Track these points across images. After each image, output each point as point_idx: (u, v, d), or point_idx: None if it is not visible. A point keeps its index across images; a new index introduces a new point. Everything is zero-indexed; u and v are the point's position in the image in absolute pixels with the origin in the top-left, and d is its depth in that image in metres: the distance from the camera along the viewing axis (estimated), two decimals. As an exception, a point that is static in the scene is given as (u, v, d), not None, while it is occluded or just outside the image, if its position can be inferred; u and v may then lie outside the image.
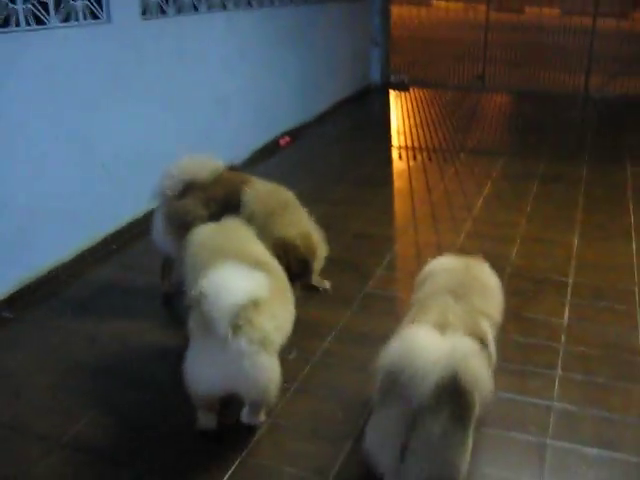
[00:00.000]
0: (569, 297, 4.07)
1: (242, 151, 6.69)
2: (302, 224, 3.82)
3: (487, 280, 2.90)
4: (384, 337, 3.58)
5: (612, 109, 9.65)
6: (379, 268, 4.46)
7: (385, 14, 10.76)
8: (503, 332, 3.65)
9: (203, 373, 2.67)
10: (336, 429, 2.99)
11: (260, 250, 3.19)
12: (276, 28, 7.22)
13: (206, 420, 2.89)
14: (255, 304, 2.60)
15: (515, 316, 3.86)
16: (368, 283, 4.26)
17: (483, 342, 2.48)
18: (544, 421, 3.02)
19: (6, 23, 3.92)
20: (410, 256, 4.69)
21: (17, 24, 3.99)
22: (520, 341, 3.63)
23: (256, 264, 2.87)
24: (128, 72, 4.92)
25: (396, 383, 2.17)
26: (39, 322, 4.00)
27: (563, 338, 3.64)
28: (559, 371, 3.36)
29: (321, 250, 3.84)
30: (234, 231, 3.26)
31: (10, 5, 3.91)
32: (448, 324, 2.43)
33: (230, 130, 6.47)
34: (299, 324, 3.80)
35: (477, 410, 2.26)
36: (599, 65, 10.26)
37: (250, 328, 2.57)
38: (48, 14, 4.19)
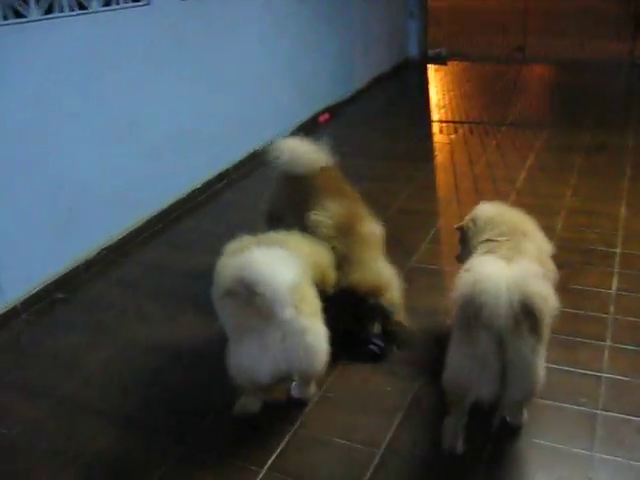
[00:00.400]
0: (617, 268, 4.02)
1: (283, 129, 6.70)
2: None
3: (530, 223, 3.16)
4: (430, 310, 3.63)
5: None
6: (423, 243, 4.46)
7: (422, -14, 10.62)
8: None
9: (259, 360, 2.61)
10: (385, 402, 3.02)
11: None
12: (312, 5, 7.19)
13: (251, 404, 2.90)
14: (298, 285, 2.62)
15: (563, 288, 3.80)
16: (412, 258, 4.26)
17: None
18: (594, 392, 3.01)
19: (50, 10, 3.99)
20: (454, 230, 4.66)
21: (61, 10, 4.05)
22: (569, 313, 3.59)
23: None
24: (168, 53, 4.97)
25: (474, 311, 2.32)
26: (91, 302, 4.11)
27: (612, 309, 3.61)
28: (608, 342, 3.34)
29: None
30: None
31: (54, -9, 3.98)
32: (514, 256, 2.66)
33: (270, 108, 6.49)
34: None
35: (548, 325, 2.46)
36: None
37: (306, 304, 2.63)
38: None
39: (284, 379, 2.85)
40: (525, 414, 2.80)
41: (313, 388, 3.02)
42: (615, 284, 3.85)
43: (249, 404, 2.91)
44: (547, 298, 2.39)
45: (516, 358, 2.40)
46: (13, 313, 3.93)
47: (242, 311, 2.59)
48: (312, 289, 2.80)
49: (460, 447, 2.64)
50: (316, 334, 2.66)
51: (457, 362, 2.54)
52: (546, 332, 2.46)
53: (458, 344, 2.53)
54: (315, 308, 2.73)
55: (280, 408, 2.99)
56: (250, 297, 2.49)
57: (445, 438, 2.68)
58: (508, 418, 2.81)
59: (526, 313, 2.33)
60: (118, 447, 2.89)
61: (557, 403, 2.95)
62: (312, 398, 3.02)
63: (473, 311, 2.33)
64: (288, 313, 2.53)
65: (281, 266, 2.56)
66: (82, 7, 4.21)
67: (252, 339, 2.61)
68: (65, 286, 4.23)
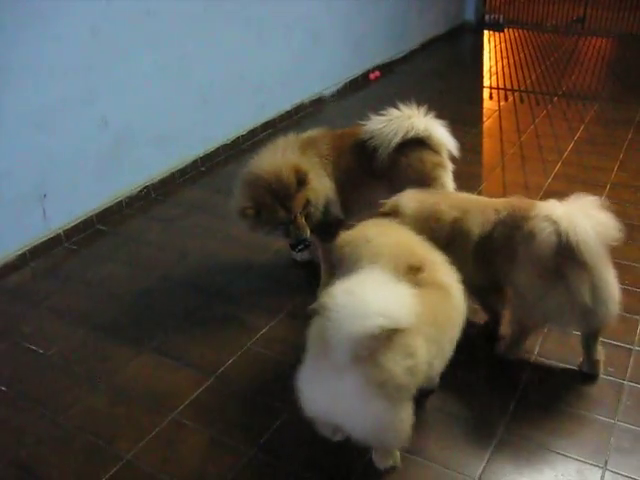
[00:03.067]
0: (658, 245, 3.97)
1: (332, 83, 6.68)
2: None
3: None
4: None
5: None
6: (464, 205, 4.43)
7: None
8: (588, 275, 3.64)
9: (313, 393, 2.23)
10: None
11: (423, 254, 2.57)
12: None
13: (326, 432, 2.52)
14: (389, 334, 2.04)
15: (601, 260, 3.80)
16: (452, 219, 4.25)
17: None
18: (623, 363, 3.00)
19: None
20: (497, 194, 4.60)
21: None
22: (604, 284, 3.58)
23: (411, 272, 2.39)
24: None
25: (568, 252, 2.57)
26: (131, 236, 4.19)
27: (649, 284, 3.58)
28: (643, 316, 3.32)
29: None
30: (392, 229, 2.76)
31: None
32: None
33: (322, 62, 6.45)
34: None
35: None
36: None
37: (371, 365, 2.06)
38: None
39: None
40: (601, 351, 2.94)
41: (392, 459, 2.51)
42: (655, 260, 3.80)
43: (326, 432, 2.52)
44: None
45: (604, 284, 2.69)
46: (56, 241, 4.04)
47: (317, 335, 2.19)
48: (415, 352, 2.17)
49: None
50: (368, 405, 2.13)
51: (551, 305, 2.70)
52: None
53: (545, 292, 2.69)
54: (390, 378, 2.10)
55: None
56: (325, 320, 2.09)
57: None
58: (584, 367, 2.95)
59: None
60: (149, 374, 2.98)
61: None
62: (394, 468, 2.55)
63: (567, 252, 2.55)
64: (342, 361, 2.07)
65: (369, 305, 2.03)
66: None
67: (315, 369, 2.24)
68: (107, 219, 4.32)
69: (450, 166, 3.54)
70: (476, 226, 2.87)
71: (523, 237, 2.70)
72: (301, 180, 3.12)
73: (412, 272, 2.38)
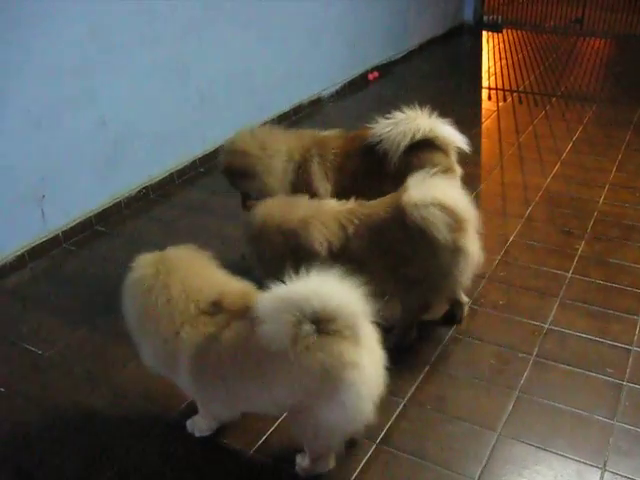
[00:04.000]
0: (657, 245, 3.98)
1: (331, 84, 6.68)
2: None
3: None
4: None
5: None
6: (463, 206, 4.44)
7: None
8: (585, 275, 3.65)
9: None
10: (413, 357, 3.06)
11: None
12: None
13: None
14: None
15: (599, 261, 3.81)
16: (451, 220, 4.25)
17: None
18: (622, 364, 3.01)
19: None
20: (495, 195, 4.65)
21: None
22: (602, 285, 3.58)
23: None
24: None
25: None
26: (130, 237, 4.19)
27: (647, 285, 3.58)
28: (641, 316, 3.33)
29: None
30: None
31: None
32: None
33: (320, 62, 6.46)
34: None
35: None
36: None
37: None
38: None
39: None
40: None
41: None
42: (653, 261, 3.81)
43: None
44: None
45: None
46: (55, 241, 4.04)
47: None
48: None
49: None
50: None
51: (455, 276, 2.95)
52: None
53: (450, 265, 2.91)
54: None
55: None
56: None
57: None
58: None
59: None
60: (148, 375, 2.97)
61: (584, 371, 2.96)
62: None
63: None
64: None
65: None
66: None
67: None
68: (106, 220, 4.32)
69: (459, 170, 3.56)
70: (327, 235, 2.87)
71: (416, 225, 2.79)
72: None
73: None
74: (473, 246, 2.91)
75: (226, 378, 2.27)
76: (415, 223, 2.77)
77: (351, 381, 2.09)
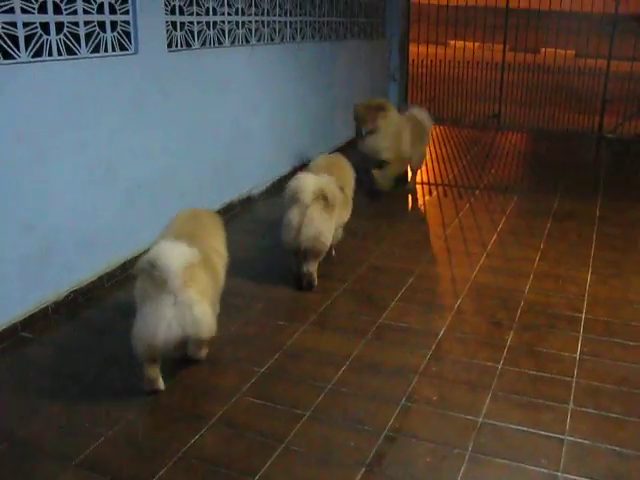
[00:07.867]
0: (582, 332, 4.09)
1: (261, 182, 6.80)
2: None
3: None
4: (397, 366, 3.67)
5: (626, 149, 9.73)
6: (394, 300, 4.51)
7: (403, 52, 10.98)
8: (515, 366, 3.72)
9: (159, 325, 3.23)
10: (348, 456, 3.02)
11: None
12: (297, 63, 7.38)
13: (154, 375, 3.45)
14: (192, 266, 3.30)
15: (528, 350, 3.89)
16: (382, 314, 4.30)
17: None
18: (556, 454, 3.03)
19: (40, 52, 4.06)
20: (424, 289, 4.73)
21: (50, 54, 4.12)
22: (533, 375, 3.65)
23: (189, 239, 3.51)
24: (152, 102, 5.05)
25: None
26: (58, 343, 4.07)
27: (575, 372, 3.66)
28: (571, 405, 3.38)
29: None
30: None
31: (44, 36, 4.05)
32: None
33: (250, 161, 6.59)
34: (313, 353, 3.87)
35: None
36: (613, 106, 10.38)
37: (194, 282, 3.29)
38: (79, 45, 4.33)
39: (177, 347, 3.41)
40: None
41: (204, 351, 3.74)
42: (579, 348, 3.91)
43: (153, 375, 3.46)
44: (335, 193, 4.61)
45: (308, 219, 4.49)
46: (-22, 351, 3.89)
47: (145, 283, 3.32)
48: (205, 274, 3.44)
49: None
50: (202, 307, 3.31)
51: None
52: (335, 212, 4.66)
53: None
54: (203, 287, 3.38)
55: (242, 457, 2.98)
56: (151, 272, 3.22)
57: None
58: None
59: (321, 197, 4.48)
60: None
61: (519, 464, 2.97)
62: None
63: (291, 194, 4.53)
64: (177, 283, 3.19)
65: (178, 252, 3.27)
66: (71, 52, 4.28)
67: (150, 304, 3.27)
68: (32, 326, 4.19)
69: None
70: None
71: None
72: None
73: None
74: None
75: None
76: None
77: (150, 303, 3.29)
